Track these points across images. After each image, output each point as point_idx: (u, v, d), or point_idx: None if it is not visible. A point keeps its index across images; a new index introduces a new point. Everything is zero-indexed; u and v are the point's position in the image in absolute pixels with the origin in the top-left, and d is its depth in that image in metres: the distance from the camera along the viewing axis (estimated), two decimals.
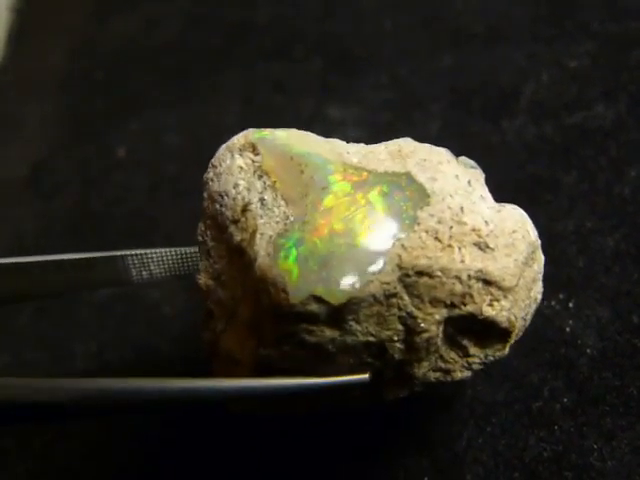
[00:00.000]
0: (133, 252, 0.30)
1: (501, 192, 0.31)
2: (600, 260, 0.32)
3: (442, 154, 0.26)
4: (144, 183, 0.41)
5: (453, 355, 0.26)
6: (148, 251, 0.30)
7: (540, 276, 0.27)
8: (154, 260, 0.30)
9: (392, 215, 0.24)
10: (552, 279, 0.32)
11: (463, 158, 0.29)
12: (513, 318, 0.25)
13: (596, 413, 0.30)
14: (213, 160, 0.26)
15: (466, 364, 0.26)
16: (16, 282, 0.29)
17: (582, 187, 0.34)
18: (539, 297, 0.27)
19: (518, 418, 0.30)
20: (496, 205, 0.26)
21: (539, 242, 0.26)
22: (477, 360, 0.26)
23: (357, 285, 0.23)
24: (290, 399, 0.26)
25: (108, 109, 0.44)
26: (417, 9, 0.41)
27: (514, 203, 0.31)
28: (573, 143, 0.35)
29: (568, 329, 0.31)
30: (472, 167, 0.28)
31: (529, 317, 0.27)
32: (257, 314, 0.24)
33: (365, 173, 0.25)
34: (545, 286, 0.32)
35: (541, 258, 0.27)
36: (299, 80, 0.42)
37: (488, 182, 0.29)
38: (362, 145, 0.27)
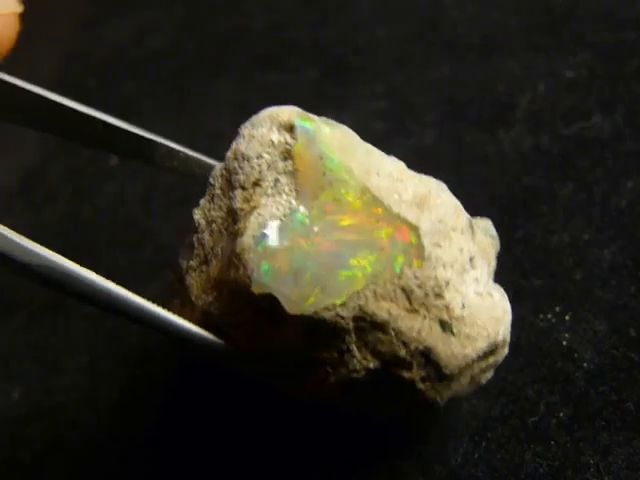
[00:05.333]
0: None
1: (497, 204, 0.31)
2: (597, 273, 0.32)
3: (461, 220, 0.26)
4: (137, 193, 0.40)
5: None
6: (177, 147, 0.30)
7: (493, 366, 0.27)
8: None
9: (382, 259, 0.24)
10: (548, 292, 0.32)
11: (486, 224, 0.29)
12: (439, 399, 0.25)
13: (593, 428, 0.29)
14: (254, 118, 0.27)
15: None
16: None
17: (578, 199, 0.34)
18: (483, 382, 0.27)
19: (514, 433, 0.30)
20: (484, 292, 0.26)
21: (507, 340, 0.27)
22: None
23: (313, 308, 0.24)
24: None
25: None
26: (412, 19, 0.41)
27: (510, 214, 0.31)
28: (569, 154, 0.35)
29: (564, 343, 0.31)
30: (491, 236, 0.28)
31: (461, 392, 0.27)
32: (223, 276, 0.25)
33: (380, 209, 0.25)
34: (541, 299, 0.32)
35: (503, 353, 0.27)
36: (293, 89, 0.42)
37: (483, 194, 0.29)
38: (399, 167, 0.27)
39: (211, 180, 0.28)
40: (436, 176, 0.35)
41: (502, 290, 0.27)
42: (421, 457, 0.30)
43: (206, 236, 0.27)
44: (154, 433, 0.34)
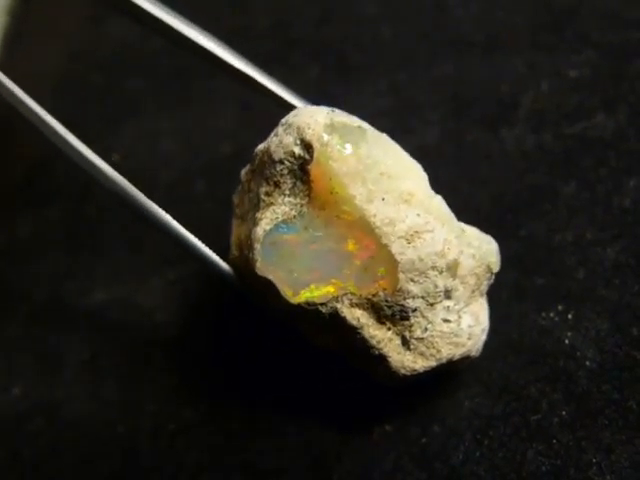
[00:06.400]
0: None
1: (499, 202, 0.31)
2: (600, 272, 0.32)
3: (445, 259, 0.28)
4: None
5: None
6: None
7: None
8: None
9: (363, 278, 0.28)
10: (551, 291, 0.32)
11: (490, 248, 0.30)
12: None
13: (595, 427, 0.29)
14: (290, 119, 0.29)
15: None
16: None
17: (581, 197, 0.34)
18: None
19: (516, 431, 0.30)
20: (454, 319, 0.29)
21: (471, 356, 0.30)
22: None
23: (299, 301, 0.28)
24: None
25: (104, 113, 0.44)
26: (416, 17, 0.41)
27: (513, 213, 0.31)
28: (573, 153, 0.35)
29: (567, 341, 0.31)
30: (489, 262, 0.30)
31: None
32: (244, 246, 0.29)
33: (371, 238, 0.28)
34: (544, 298, 0.32)
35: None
36: (296, 86, 0.41)
37: (486, 192, 0.29)
38: (414, 186, 0.29)
39: (254, 154, 0.30)
40: (439, 174, 0.35)
41: (482, 314, 0.29)
42: (423, 455, 0.30)
43: (246, 199, 0.30)
44: (155, 428, 0.34)
